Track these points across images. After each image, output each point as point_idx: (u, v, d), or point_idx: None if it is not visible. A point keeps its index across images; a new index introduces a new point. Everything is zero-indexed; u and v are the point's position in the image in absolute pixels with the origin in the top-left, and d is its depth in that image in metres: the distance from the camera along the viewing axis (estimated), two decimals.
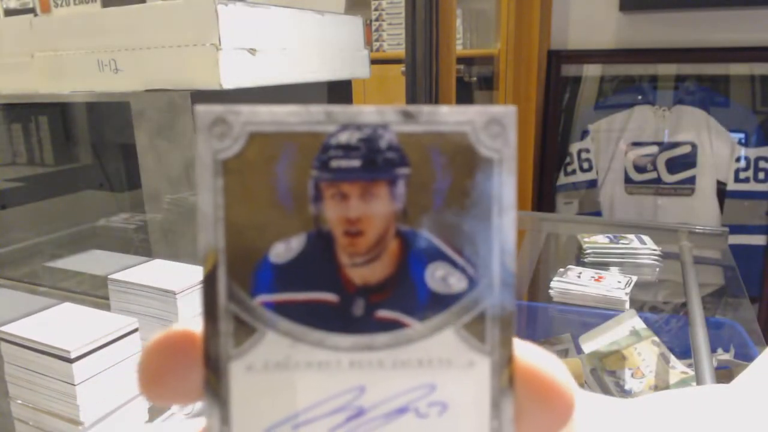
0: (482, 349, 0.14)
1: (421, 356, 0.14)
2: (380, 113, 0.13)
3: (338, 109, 0.13)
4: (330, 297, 0.14)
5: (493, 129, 0.14)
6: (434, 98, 1.26)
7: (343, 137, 0.13)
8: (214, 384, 0.13)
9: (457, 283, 0.14)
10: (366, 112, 0.13)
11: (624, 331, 0.87)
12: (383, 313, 0.14)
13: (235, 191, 0.13)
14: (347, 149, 0.13)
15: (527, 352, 0.14)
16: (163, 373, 0.14)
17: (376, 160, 0.13)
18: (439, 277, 0.14)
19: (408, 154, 0.13)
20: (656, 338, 0.86)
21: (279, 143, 0.13)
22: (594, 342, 0.89)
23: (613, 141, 1.97)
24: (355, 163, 0.13)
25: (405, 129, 0.13)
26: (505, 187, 0.14)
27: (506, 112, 0.14)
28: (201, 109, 0.13)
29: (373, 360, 0.14)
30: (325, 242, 0.13)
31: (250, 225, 0.13)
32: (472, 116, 0.14)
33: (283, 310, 0.13)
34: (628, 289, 0.95)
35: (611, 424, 0.21)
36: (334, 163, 0.13)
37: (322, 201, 0.13)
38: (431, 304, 0.14)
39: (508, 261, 0.14)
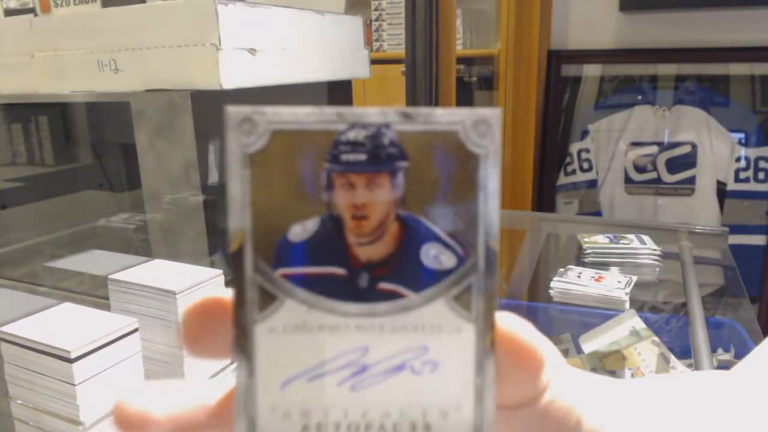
0: (468, 317, 0.16)
1: (416, 322, 0.16)
2: (383, 114, 0.16)
3: (347, 111, 0.15)
4: (339, 271, 0.16)
5: (481, 128, 0.16)
6: (434, 98, 1.26)
7: (352, 134, 0.15)
8: (242, 343, 0.16)
9: (447, 260, 0.16)
10: (371, 113, 0.15)
11: (624, 331, 0.87)
12: (384, 286, 0.16)
13: (259, 180, 0.16)
14: (355, 145, 0.16)
15: (506, 321, 0.17)
16: (200, 333, 0.17)
17: (379, 155, 0.16)
18: (432, 255, 0.16)
19: (407, 149, 0.16)
20: (656, 338, 0.86)
21: (297, 139, 0.16)
22: (594, 342, 0.89)
23: (613, 141, 1.97)
24: (362, 156, 0.16)
25: (404, 128, 0.16)
26: (490, 178, 0.16)
27: (492, 113, 0.16)
28: (231, 109, 0.15)
29: (375, 325, 0.16)
30: (335, 224, 0.16)
31: (272, 209, 0.16)
32: (463, 117, 0.16)
33: (300, 281, 0.16)
34: (628, 289, 0.95)
35: (609, 401, 0.22)
36: (344, 157, 0.16)
37: (333, 189, 0.16)
38: (425, 278, 0.16)
39: (491, 242, 0.16)
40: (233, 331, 0.16)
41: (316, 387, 0.16)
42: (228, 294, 0.16)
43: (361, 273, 0.16)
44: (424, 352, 0.16)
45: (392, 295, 0.16)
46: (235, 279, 0.16)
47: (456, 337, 0.16)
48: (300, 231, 0.16)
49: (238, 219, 0.16)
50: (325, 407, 0.16)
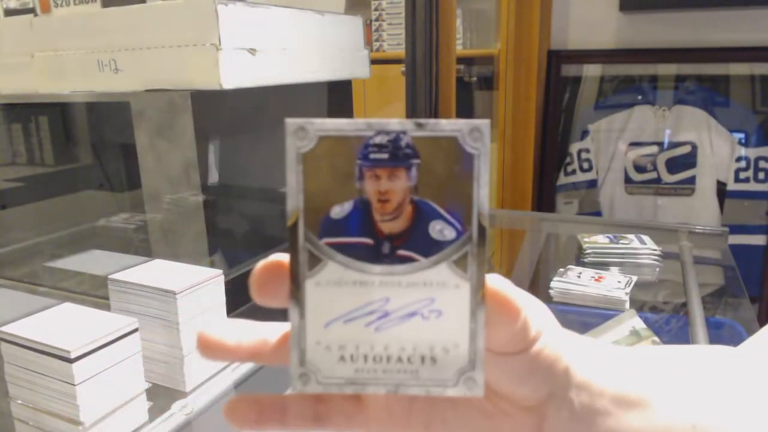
0: (465, 276, 0.21)
1: (426, 280, 0.21)
2: (401, 124, 0.20)
3: (375, 121, 0.20)
4: (368, 240, 0.21)
5: (475, 134, 0.20)
6: (434, 98, 1.26)
7: (378, 139, 0.20)
8: (296, 293, 0.21)
9: (449, 233, 0.21)
10: (392, 123, 0.20)
11: (624, 331, 0.87)
12: (402, 252, 0.21)
13: (309, 173, 0.21)
14: (380, 147, 0.20)
15: (494, 280, 0.22)
16: (265, 285, 0.22)
17: (398, 154, 0.20)
18: (438, 229, 0.21)
19: (419, 150, 0.20)
20: (656, 338, 0.86)
21: (338, 143, 0.20)
22: None
23: (613, 141, 1.97)
24: (385, 155, 0.20)
25: (417, 134, 0.20)
26: (482, 172, 0.20)
27: (483, 123, 0.20)
28: (289, 120, 0.20)
29: (394, 281, 0.21)
30: (365, 206, 0.21)
31: (319, 194, 0.21)
32: (461, 126, 0.20)
33: (339, 248, 0.21)
34: (628, 289, 0.95)
35: (600, 358, 0.25)
36: (372, 156, 0.20)
37: (364, 179, 0.21)
38: (432, 246, 0.21)
39: (483, 220, 0.21)
40: (289, 284, 0.21)
41: (351, 327, 0.21)
42: (286, 257, 0.22)
43: (384, 242, 0.21)
44: (431, 302, 0.21)
45: (407, 259, 0.21)
46: (290, 246, 0.21)
47: (455, 291, 0.21)
48: (339, 210, 0.21)
49: (294, 201, 0.21)
50: (357, 343, 0.21)
